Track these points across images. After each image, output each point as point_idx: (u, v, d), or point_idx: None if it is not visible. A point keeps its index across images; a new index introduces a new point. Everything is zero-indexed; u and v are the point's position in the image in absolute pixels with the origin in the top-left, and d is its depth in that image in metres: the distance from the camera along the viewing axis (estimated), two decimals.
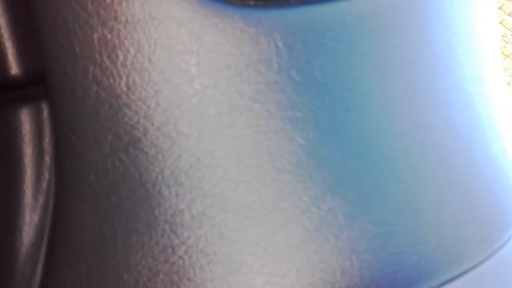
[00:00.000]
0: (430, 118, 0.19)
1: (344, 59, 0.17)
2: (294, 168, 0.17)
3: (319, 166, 0.17)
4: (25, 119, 0.17)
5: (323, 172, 0.17)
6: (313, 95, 0.17)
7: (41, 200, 0.17)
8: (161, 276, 0.15)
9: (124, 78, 0.16)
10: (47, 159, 0.17)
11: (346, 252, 0.16)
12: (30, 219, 0.17)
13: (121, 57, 0.16)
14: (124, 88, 0.16)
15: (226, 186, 0.16)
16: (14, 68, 0.17)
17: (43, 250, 0.17)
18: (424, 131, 0.18)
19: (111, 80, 0.16)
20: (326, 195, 0.16)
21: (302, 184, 0.16)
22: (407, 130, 0.18)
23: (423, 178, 0.18)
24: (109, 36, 0.16)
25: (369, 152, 0.17)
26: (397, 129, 0.18)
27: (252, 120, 0.17)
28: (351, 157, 0.17)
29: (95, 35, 0.16)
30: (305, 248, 0.16)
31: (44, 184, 0.17)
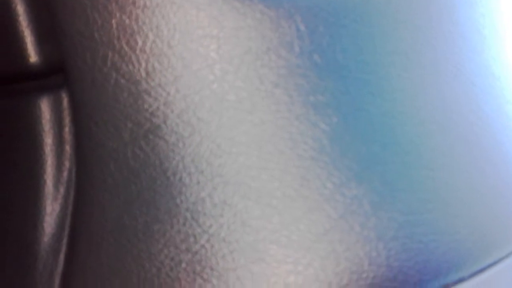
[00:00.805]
0: (457, 103, 0.18)
1: (367, 42, 0.17)
2: (317, 154, 0.16)
3: (343, 152, 0.16)
4: (45, 108, 0.17)
5: (347, 158, 0.16)
6: (336, 79, 0.17)
7: (62, 190, 0.17)
8: (184, 265, 0.15)
9: (143, 64, 0.16)
10: (68, 148, 0.17)
11: (372, 241, 0.15)
12: (51, 209, 0.17)
13: (139, 42, 0.16)
14: (144, 75, 0.16)
15: (247, 174, 0.16)
16: (33, 57, 0.17)
17: (64, 240, 0.16)
18: (451, 116, 0.18)
19: (130, 66, 0.16)
20: (351, 182, 0.16)
21: (326, 171, 0.16)
22: (433, 115, 0.17)
23: (450, 165, 0.17)
24: (127, 21, 0.15)
25: (394, 138, 0.17)
26: (423, 114, 0.17)
27: (273, 105, 0.16)
28: (375, 143, 0.17)
29: (114, 21, 0.15)
30: (329, 236, 0.16)
31: (65, 174, 0.17)
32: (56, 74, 0.18)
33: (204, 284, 0.15)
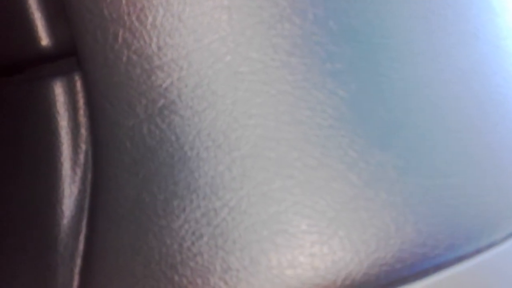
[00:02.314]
0: (480, 65, 0.18)
1: (383, 6, 0.17)
2: (337, 123, 0.16)
3: (363, 119, 0.16)
4: (59, 91, 0.18)
5: (368, 125, 0.16)
6: (353, 45, 0.17)
7: (79, 172, 0.17)
8: (205, 239, 0.15)
9: (155, 39, 0.16)
10: (83, 131, 0.18)
11: (399, 206, 0.15)
12: (69, 192, 0.17)
13: (150, 18, 0.16)
14: (155, 50, 0.16)
15: (266, 145, 0.16)
16: (44, 40, 0.17)
17: (84, 222, 0.17)
18: (475, 77, 0.18)
19: (142, 42, 0.16)
20: (374, 149, 0.16)
21: (347, 139, 0.16)
22: (456, 76, 0.17)
23: (477, 126, 0.17)
24: None
25: (416, 103, 0.17)
26: (446, 76, 0.17)
27: (289, 75, 0.16)
28: (397, 108, 0.16)
29: None
30: (354, 204, 0.15)
31: (81, 156, 0.17)
32: (68, 57, 0.18)
33: (227, 257, 0.15)
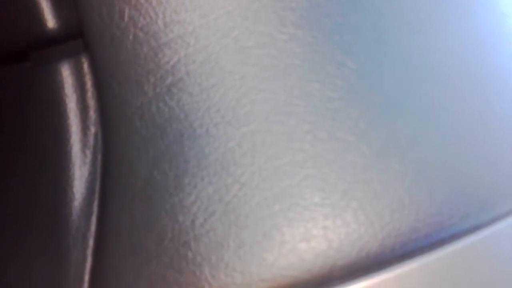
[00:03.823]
0: (490, 34, 0.18)
1: None
2: (347, 94, 0.16)
3: (373, 89, 0.16)
4: (66, 73, 0.18)
5: (378, 95, 0.16)
6: (361, 16, 0.17)
7: (89, 154, 0.18)
8: (218, 215, 0.15)
9: (161, 16, 0.16)
10: (92, 113, 0.18)
11: (412, 176, 0.15)
12: (80, 174, 0.17)
13: None
14: (162, 27, 0.16)
15: (275, 120, 0.16)
16: (50, 21, 0.17)
17: (95, 203, 0.17)
18: (484, 47, 0.18)
19: (148, 19, 0.16)
20: (384, 119, 0.16)
21: (357, 110, 0.16)
22: (465, 45, 0.17)
23: (489, 96, 0.17)
24: None
25: (427, 72, 0.17)
26: (456, 45, 0.17)
27: (297, 48, 0.16)
28: (406, 78, 0.17)
29: None
30: (366, 176, 0.15)
31: (90, 139, 0.18)
32: (74, 39, 0.18)
33: (239, 233, 0.15)
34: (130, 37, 0.16)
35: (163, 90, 0.17)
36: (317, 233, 0.15)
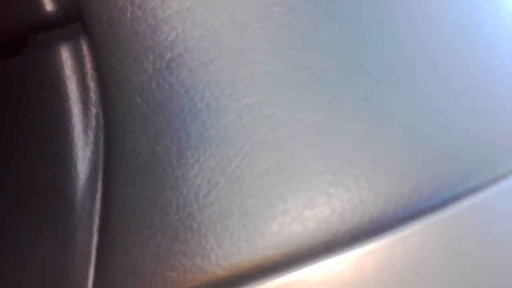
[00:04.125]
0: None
1: None
2: (345, 64, 0.16)
3: (371, 59, 0.16)
4: (66, 56, 0.18)
5: (376, 64, 0.16)
6: None
7: (91, 135, 0.18)
8: (221, 186, 0.16)
9: None
10: (92, 94, 0.18)
11: (412, 141, 0.16)
12: (83, 154, 0.17)
13: None
14: (159, 4, 0.16)
15: (274, 92, 0.16)
16: (48, 5, 0.18)
17: (99, 182, 0.17)
18: (479, 12, 0.18)
19: None
20: (383, 87, 0.16)
21: (356, 79, 0.16)
22: (463, 10, 0.17)
23: (489, 58, 0.17)
24: None
25: (424, 38, 0.17)
26: (453, 9, 0.17)
27: (294, 20, 0.17)
28: (404, 46, 0.17)
29: None
30: (366, 143, 0.16)
31: (92, 120, 0.18)
32: (72, 23, 0.19)
33: (243, 202, 0.15)
34: (128, 15, 0.17)
35: (162, 66, 0.17)
36: (320, 200, 0.15)
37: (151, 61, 0.17)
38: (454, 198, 0.15)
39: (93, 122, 0.18)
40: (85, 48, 0.18)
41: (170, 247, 0.15)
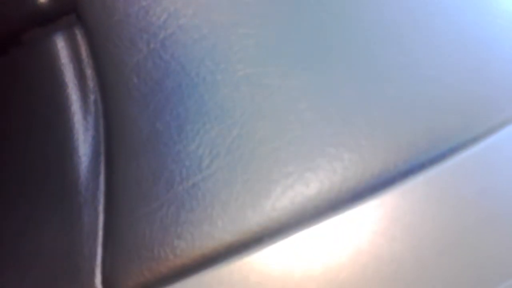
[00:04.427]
0: None
1: None
2: (336, 30, 0.17)
3: (362, 21, 0.17)
4: (61, 45, 0.18)
5: (368, 26, 0.17)
6: None
7: (91, 120, 0.18)
8: (222, 155, 0.16)
9: None
10: (89, 82, 0.18)
11: (408, 96, 0.16)
12: (83, 139, 0.18)
13: None
14: None
15: (268, 63, 0.17)
16: None
17: (102, 164, 0.17)
18: None
19: None
20: (376, 48, 0.17)
21: (348, 41, 0.17)
22: None
23: (480, 12, 0.18)
24: None
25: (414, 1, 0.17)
26: None
27: None
28: (394, 9, 0.17)
29: None
30: (362, 103, 0.16)
31: (91, 106, 0.18)
32: (67, 14, 0.19)
33: (245, 168, 0.16)
34: None
35: (157, 46, 0.17)
36: (321, 161, 0.16)
37: (145, 41, 0.17)
38: (453, 150, 0.16)
39: (92, 108, 0.18)
40: (79, 37, 0.19)
41: (177, 216, 0.16)
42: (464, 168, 0.16)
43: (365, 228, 0.15)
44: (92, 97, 0.18)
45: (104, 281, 0.16)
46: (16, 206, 0.18)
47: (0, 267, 0.17)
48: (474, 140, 0.16)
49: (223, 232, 0.15)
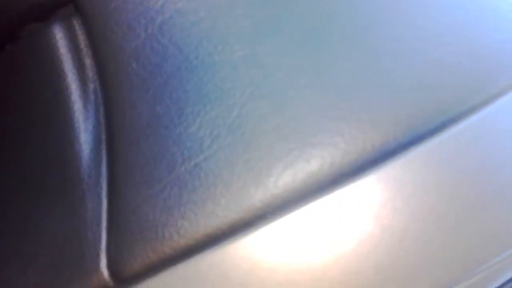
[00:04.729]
0: None
1: None
2: (332, 9, 0.17)
3: (357, 1, 0.17)
4: (60, 35, 0.19)
5: (363, 4, 0.17)
6: None
7: (91, 109, 0.18)
8: (223, 135, 0.16)
9: None
10: (88, 72, 0.18)
11: (405, 70, 0.16)
12: (84, 127, 0.18)
13: None
14: None
15: (266, 42, 0.17)
16: None
17: (104, 151, 0.17)
18: None
19: None
20: (371, 26, 0.17)
21: (344, 18, 0.17)
22: None
23: None
24: None
25: None
26: None
27: None
28: None
29: None
30: (360, 78, 0.16)
31: (90, 95, 0.18)
32: (65, 6, 0.19)
33: (247, 147, 0.16)
34: None
35: (155, 30, 0.17)
36: (321, 137, 0.16)
37: (143, 26, 0.17)
38: (452, 120, 0.16)
39: (91, 97, 0.18)
40: (77, 27, 0.19)
41: (180, 197, 0.16)
42: (463, 138, 0.16)
43: (367, 200, 0.15)
44: (91, 86, 0.18)
45: (109, 265, 0.16)
46: (18, 197, 0.18)
47: (4, 258, 0.17)
48: (471, 110, 0.16)
49: (226, 210, 0.15)
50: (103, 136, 0.18)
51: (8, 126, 0.19)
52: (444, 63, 0.16)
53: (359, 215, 0.15)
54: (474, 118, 0.16)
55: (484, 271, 0.15)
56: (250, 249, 0.15)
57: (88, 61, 0.19)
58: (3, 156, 0.19)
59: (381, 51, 0.16)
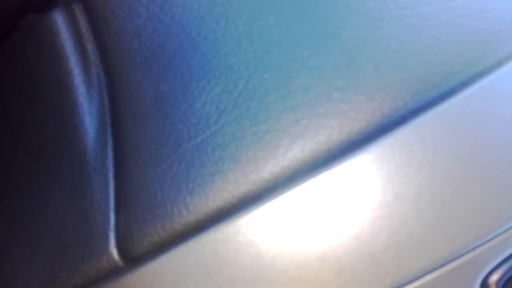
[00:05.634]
0: None
1: None
2: None
3: None
4: (60, 21, 0.19)
5: None
6: None
7: (94, 92, 0.18)
8: (229, 109, 0.16)
9: None
10: (90, 56, 0.18)
11: (412, 36, 0.16)
12: (89, 110, 0.18)
13: None
14: None
15: (268, 15, 0.17)
16: None
17: (109, 133, 0.17)
18: None
19: None
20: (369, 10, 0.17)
21: None
22: None
23: None
24: None
25: None
26: None
27: None
28: None
29: None
30: (365, 46, 0.16)
31: (93, 79, 0.18)
32: None
33: (254, 119, 0.16)
34: None
35: (156, 10, 0.17)
36: (329, 106, 0.16)
37: (144, 6, 0.17)
38: (462, 85, 0.16)
39: (95, 81, 0.18)
40: (78, 13, 0.19)
41: (188, 174, 0.15)
42: (474, 102, 0.16)
43: (378, 168, 0.15)
44: (94, 71, 0.18)
45: (119, 245, 0.16)
46: (25, 182, 0.18)
47: (12, 240, 0.17)
48: (482, 73, 0.16)
49: (235, 184, 0.15)
50: (108, 119, 0.18)
51: (12, 114, 0.19)
52: (453, 26, 0.16)
53: (371, 183, 0.15)
54: (484, 82, 0.15)
55: (502, 235, 0.15)
56: (262, 222, 0.15)
57: (90, 46, 0.19)
58: (9, 142, 0.19)
59: (387, 17, 0.16)
